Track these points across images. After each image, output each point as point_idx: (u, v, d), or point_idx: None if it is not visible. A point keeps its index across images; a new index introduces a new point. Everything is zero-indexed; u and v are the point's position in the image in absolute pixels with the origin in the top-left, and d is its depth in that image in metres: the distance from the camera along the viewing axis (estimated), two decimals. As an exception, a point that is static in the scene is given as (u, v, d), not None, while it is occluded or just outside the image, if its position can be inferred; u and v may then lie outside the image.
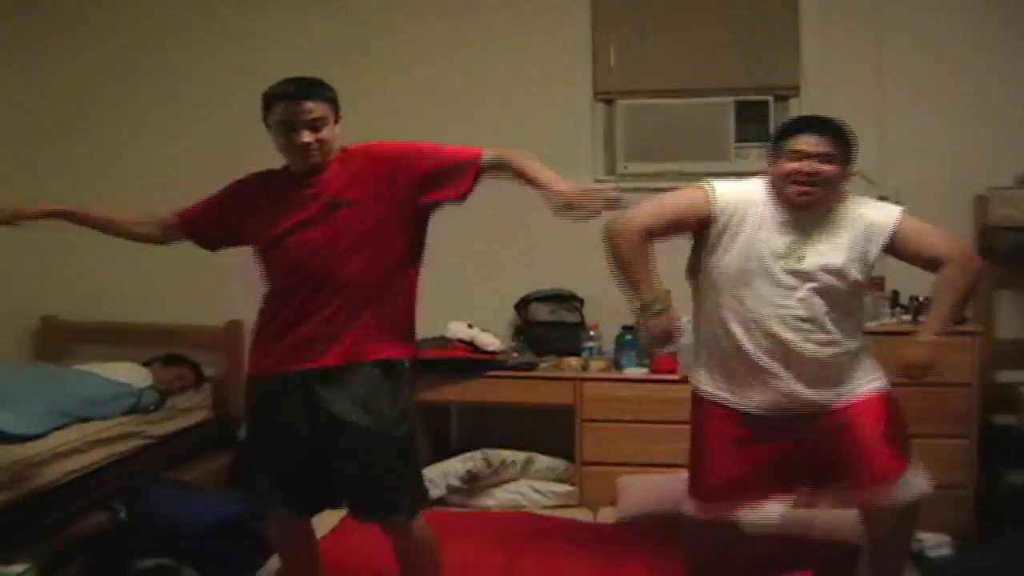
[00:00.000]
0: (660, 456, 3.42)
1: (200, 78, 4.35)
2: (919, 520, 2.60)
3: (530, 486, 3.65)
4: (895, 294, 3.80)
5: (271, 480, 2.46)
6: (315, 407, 2.35)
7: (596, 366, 3.72)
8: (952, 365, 3.51)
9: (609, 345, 3.82)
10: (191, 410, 4.03)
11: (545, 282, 3.95)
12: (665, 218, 2.54)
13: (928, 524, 3.48)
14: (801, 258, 2.44)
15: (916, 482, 2.49)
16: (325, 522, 2.95)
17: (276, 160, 2.50)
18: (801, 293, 2.42)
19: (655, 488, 3.28)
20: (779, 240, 2.46)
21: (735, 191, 2.54)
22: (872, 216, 2.52)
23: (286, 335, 2.37)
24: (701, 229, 2.53)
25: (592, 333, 3.83)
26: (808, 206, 2.47)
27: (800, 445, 2.48)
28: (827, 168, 2.44)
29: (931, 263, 2.52)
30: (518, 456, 3.67)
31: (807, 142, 2.45)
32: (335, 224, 2.34)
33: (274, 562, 2.95)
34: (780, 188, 2.49)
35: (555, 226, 3.98)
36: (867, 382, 2.51)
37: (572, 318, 3.89)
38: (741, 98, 4.01)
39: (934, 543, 3.48)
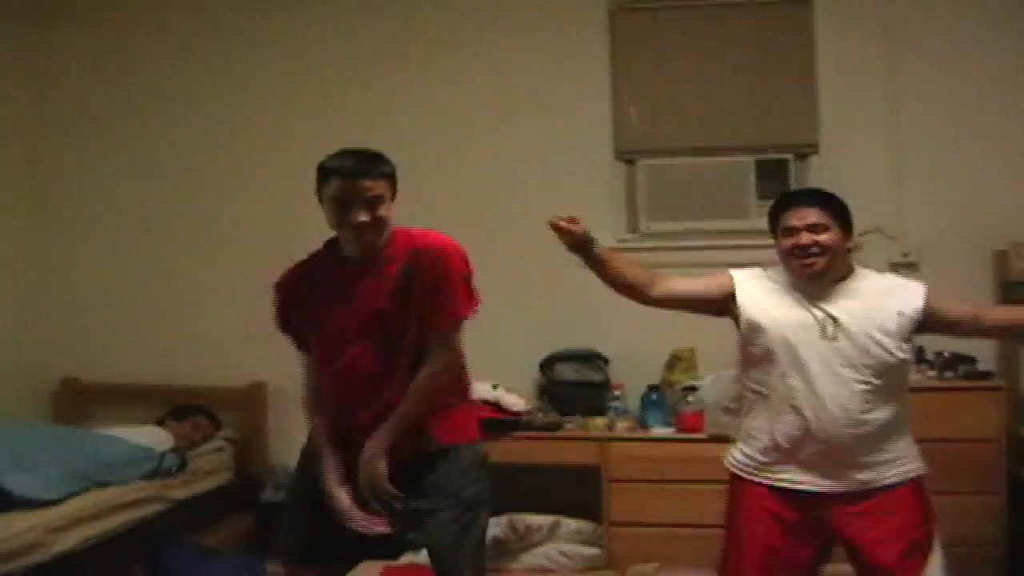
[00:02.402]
0: (688, 516, 3.40)
1: (263, 138, 4.39)
2: None
3: (557, 549, 3.61)
4: (921, 350, 3.80)
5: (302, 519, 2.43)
6: None
7: (622, 425, 3.70)
8: (978, 419, 3.53)
9: (634, 404, 3.81)
10: (213, 472, 4.00)
11: (570, 341, 3.95)
12: (684, 283, 2.58)
13: (960, 583, 3.46)
14: (836, 334, 2.40)
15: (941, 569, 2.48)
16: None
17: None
18: (841, 370, 2.38)
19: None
20: (807, 317, 2.43)
21: (752, 273, 2.56)
22: (901, 293, 2.46)
23: None
24: (722, 309, 2.55)
25: (617, 393, 3.82)
26: (818, 276, 2.44)
27: (833, 526, 2.44)
28: (822, 237, 2.43)
29: (970, 320, 2.49)
30: (544, 520, 3.64)
31: (795, 216, 2.46)
32: None
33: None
34: (787, 267, 2.50)
35: (580, 285, 4.06)
36: (903, 469, 2.45)
37: (597, 377, 3.88)
38: (761, 156, 4.05)
39: (967, 603, 3.44)
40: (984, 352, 3.81)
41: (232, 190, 4.39)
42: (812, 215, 2.44)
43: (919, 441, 3.46)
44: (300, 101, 4.35)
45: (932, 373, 3.70)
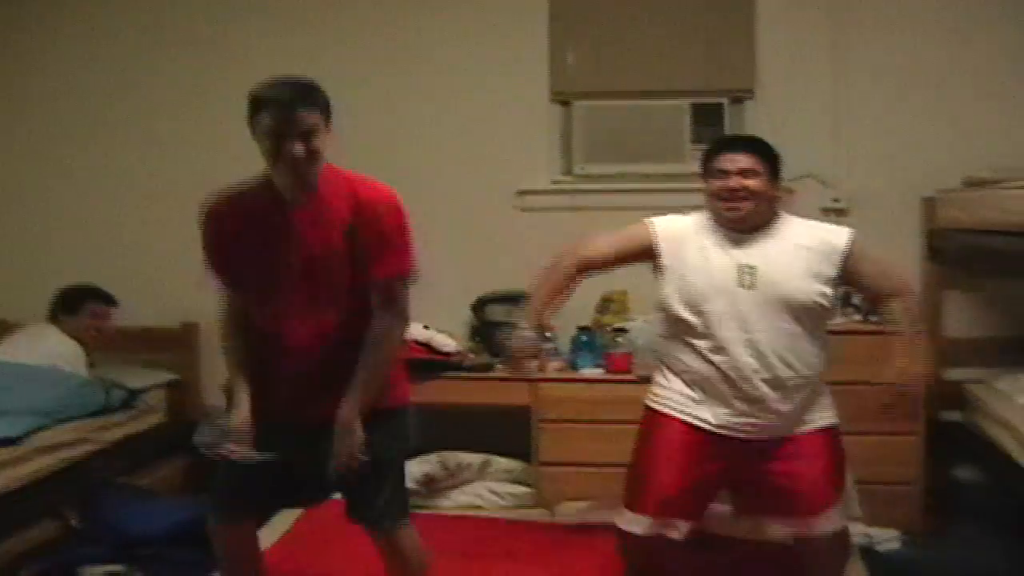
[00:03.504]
0: (616, 456, 3.42)
1: (181, 78, 4.30)
2: (850, 549, 2.66)
3: (487, 488, 3.67)
4: (847, 295, 3.86)
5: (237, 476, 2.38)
6: None
7: (552, 367, 3.74)
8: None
9: (565, 346, 3.85)
10: (148, 412, 3.98)
11: (502, 283, 3.96)
12: (608, 252, 2.59)
13: (877, 519, 3.57)
14: (754, 280, 2.44)
15: (843, 513, 2.56)
16: (269, 536, 2.94)
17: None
18: (758, 316, 2.42)
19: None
20: (728, 264, 2.47)
21: (675, 222, 2.59)
22: (829, 238, 2.51)
23: None
24: (647, 260, 2.58)
25: (548, 334, 3.84)
26: (741, 221, 2.48)
27: (744, 467, 2.51)
28: (751, 182, 2.46)
29: (883, 293, 2.55)
30: (475, 459, 3.68)
31: (728, 159, 2.49)
32: None
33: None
34: (714, 210, 2.53)
35: (511, 227, 4.08)
36: (819, 417, 2.53)
37: (529, 319, 3.90)
38: (697, 100, 4.04)
39: (883, 538, 3.55)
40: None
41: (158, 129, 4.30)
42: (744, 160, 2.48)
43: (844, 383, 3.58)
44: (223, 37, 4.25)
45: (858, 317, 3.77)
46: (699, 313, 2.46)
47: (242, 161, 2.35)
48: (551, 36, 4.11)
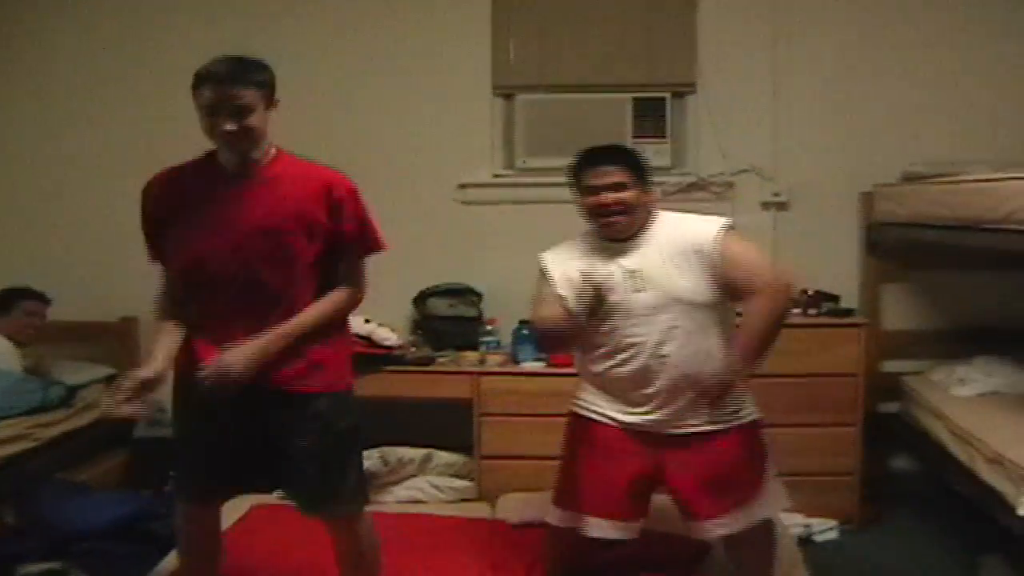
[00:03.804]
0: (557, 448, 3.42)
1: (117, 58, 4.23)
2: (776, 539, 2.65)
3: (429, 482, 3.64)
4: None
5: (198, 459, 2.38)
6: None
7: (494, 360, 3.73)
8: (839, 356, 3.66)
9: (507, 339, 3.85)
10: (87, 408, 3.92)
11: (443, 276, 3.96)
12: (549, 309, 2.53)
13: (815, 509, 3.63)
14: (644, 284, 2.44)
15: (770, 505, 2.55)
16: (228, 516, 2.91)
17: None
18: (650, 317, 2.43)
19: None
20: (620, 272, 2.47)
21: (559, 250, 2.60)
22: (696, 231, 2.48)
23: None
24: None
25: (490, 328, 3.84)
26: (619, 233, 2.49)
27: (666, 465, 2.51)
28: (623, 195, 2.46)
29: (743, 290, 2.43)
30: (416, 453, 3.66)
31: (596, 175, 2.48)
32: None
33: (168, 563, 2.91)
34: (591, 224, 2.54)
35: (453, 220, 4.07)
36: (737, 413, 2.52)
37: (470, 312, 3.90)
38: (639, 94, 4.05)
39: (821, 528, 3.60)
40: (847, 290, 3.95)
41: (94, 120, 4.23)
42: (613, 174, 2.47)
43: (783, 376, 3.64)
44: (169, 21, 4.19)
45: (797, 310, 3.80)
46: (601, 323, 2.46)
47: (181, 154, 2.34)
48: (494, 29, 4.10)
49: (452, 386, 3.66)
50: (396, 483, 3.64)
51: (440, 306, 3.89)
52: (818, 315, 3.77)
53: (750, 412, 2.55)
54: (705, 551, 2.86)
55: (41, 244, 4.25)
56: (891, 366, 4.04)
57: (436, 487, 3.64)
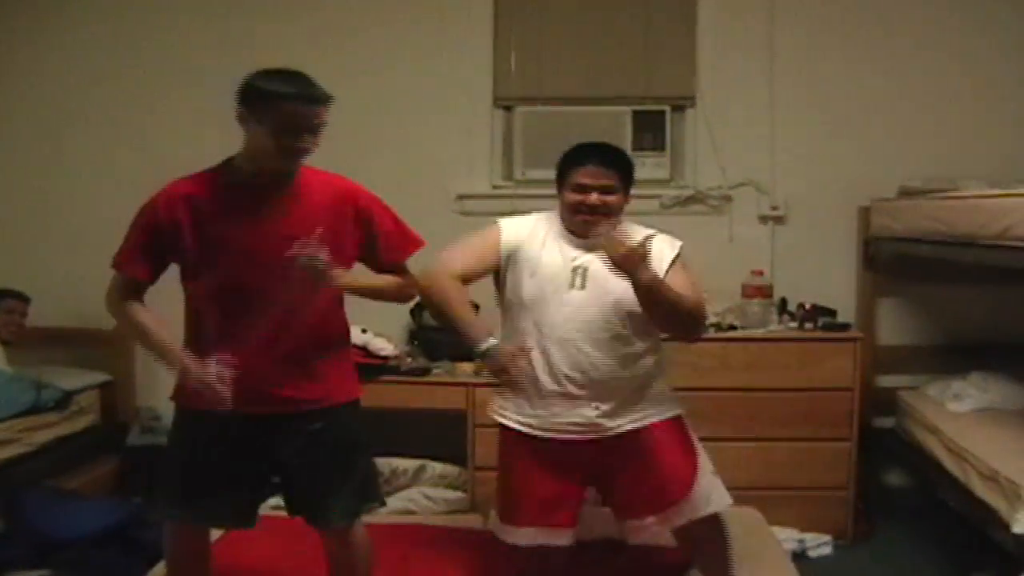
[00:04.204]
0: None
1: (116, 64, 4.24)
2: (726, 533, 2.62)
3: (422, 493, 3.63)
4: (783, 301, 3.91)
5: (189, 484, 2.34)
6: None
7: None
8: (835, 370, 3.65)
9: (503, 351, 3.83)
10: (81, 413, 3.92)
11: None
12: (470, 260, 2.53)
13: (809, 524, 3.62)
14: (584, 282, 2.44)
15: (711, 498, 2.51)
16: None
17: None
18: (589, 316, 2.42)
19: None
20: (564, 266, 2.46)
21: (520, 224, 2.56)
22: (656, 246, 2.42)
23: None
24: (499, 264, 2.55)
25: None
26: (591, 233, 2.46)
27: (596, 467, 2.51)
28: (610, 199, 2.46)
29: None
30: (410, 464, 3.65)
31: (589, 175, 2.45)
32: None
33: (156, 572, 2.89)
34: (567, 217, 2.51)
35: (450, 231, 4.04)
36: (658, 410, 2.51)
37: (467, 323, 3.89)
38: (638, 107, 4.07)
39: (815, 543, 3.59)
40: (844, 304, 3.95)
41: (102, 127, 4.24)
42: (606, 177, 2.46)
43: (778, 390, 3.64)
44: (164, 23, 4.20)
45: (793, 324, 3.81)
46: (531, 314, 2.45)
47: (175, 154, 2.33)
48: (496, 41, 4.12)
49: (447, 397, 3.65)
50: (389, 494, 3.61)
51: (437, 317, 3.88)
52: (814, 329, 3.76)
53: (671, 408, 2.54)
54: (686, 565, 2.85)
55: (34, 249, 4.25)
56: (886, 380, 4.05)
57: (429, 498, 3.62)
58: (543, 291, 2.44)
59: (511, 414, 2.54)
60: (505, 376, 2.41)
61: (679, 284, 2.41)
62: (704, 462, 2.55)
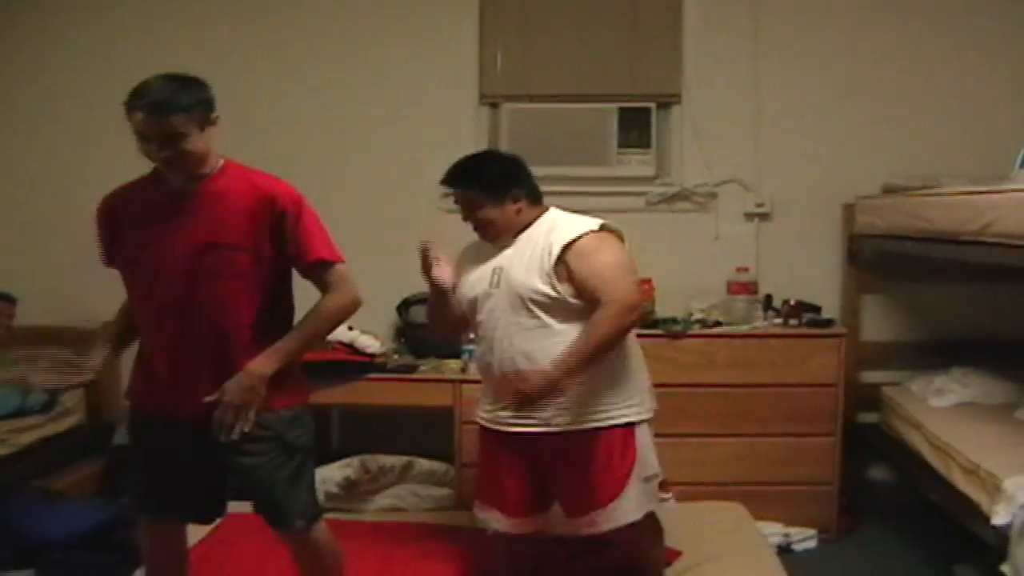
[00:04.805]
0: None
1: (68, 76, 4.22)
2: (656, 536, 2.71)
3: (409, 490, 3.64)
4: (768, 298, 3.93)
5: (151, 482, 2.36)
6: None
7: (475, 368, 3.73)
8: (819, 366, 3.67)
9: (490, 348, 3.84)
10: (66, 414, 3.89)
11: (425, 284, 3.93)
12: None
13: (794, 519, 3.65)
14: (499, 280, 2.53)
15: (632, 509, 2.52)
16: (196, 530, 2.89)
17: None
18: (505, 314, 2.49)
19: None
20: (484, 270, 2.57)
21: (466, 247, 2.73)
22: (559, 232, 2.50)
23: None
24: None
25: (472, 336, 3.83)
26: (493, 240, 2.59)
27: (539, 464, 2.56)
28: (480, 215, 2.56)
29: (591, 297, 2.43)
30: (397, 461, 3.66)
31: (456, 199, 2.63)
32: None
33: (140, 574, 2.88)
34: None
35: (433, 228, 4.05)
36: (603, 415, 2.51)
37: (453, 320, 3.89)
38: (624, 104, 4.08)
39: (800, 537, 3.62)
40: (828, 300, 3.98)
41: (75, 125, 4.21)
42: (463, 199, 2.59)
43: (763, 386, 3.66)
44: (147, 25, 4.17)
45: (778, 321, 3.83)
46: (473, 315, 2.60)
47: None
48: (481, 39, 4.12)
49: (433, 394, 3.65)
50: (376, 491, 3.64)
51: (422, 314, 3.85)
52: (799, 325, 3.78)
53: (622, 414, 2.52)
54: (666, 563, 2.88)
55: (17, 249, 4.22)
56: (870, 376, 4.08)
57: (417, 495, 3.64)
58: (474, 293, 2.59)
59: (479, 409, 2.68)
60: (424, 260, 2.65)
61: (583, 274, 2.43)
62: (641, 468, 2.53)
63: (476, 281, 2.59)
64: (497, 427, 2.58)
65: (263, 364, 2.21)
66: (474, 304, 2.58)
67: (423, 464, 3.69)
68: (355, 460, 3.59)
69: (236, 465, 2.29)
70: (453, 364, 3.74)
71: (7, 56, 4.26)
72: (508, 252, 2.55)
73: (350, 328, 3.63)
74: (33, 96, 4.26)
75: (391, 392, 3.65)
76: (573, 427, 2.49)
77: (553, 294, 2.44)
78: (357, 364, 3.62)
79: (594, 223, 2.51)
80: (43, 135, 4.25)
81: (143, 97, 2.11)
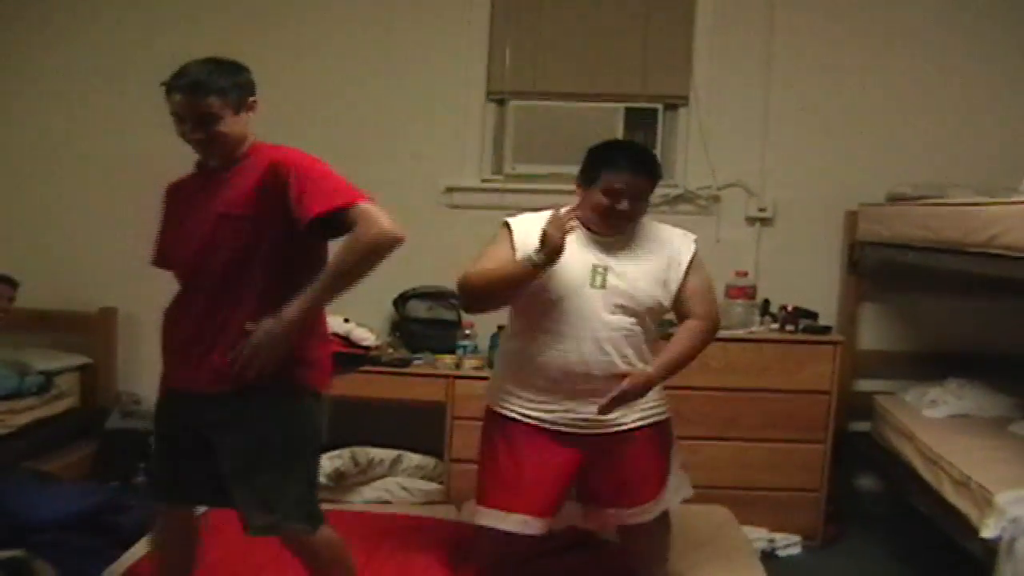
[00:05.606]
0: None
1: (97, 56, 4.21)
2: (670, 530, 2.73)
3: (398, 483, 3.64)
4: (766, 303, 3.92)
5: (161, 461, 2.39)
6: None
7: (469, 364, 3.73)
8: (813, 373, 3.66)
9: (484, 344, 3.85)
10: (61, 396, 3.92)
11: (425, 279, 3.95)
12: (491, 264, 2.48)
13: (779, 524, 3.65)
14: (604, 281, 2.44)
15: (674, 494, 2.64)
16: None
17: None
18: (604, 315, 2.43)
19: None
20: (583, 263, 2.45)
21: (530, 223, 2.48)
22: (678, 244, 2.52)
23: None
24: None
25: (467, 331, 3.84)
26: (619, 233, 2.50)
27: (587, 461, 2.53)
28: (639, 206, 2.47)
29: (685, 308, 2.52)
30: (387, 454, 3.66)
31: (625, 181, 2.42)
32: None
33: (131, 555, 2.90)
34: (587, 215, 2.48)
35: (438, 224, 4.07)
36: (652, 412, 2.56)
37: (449, 316, 3.89)
38: (631, 105, 4.07)
39: (784, 543, 3.62)
40: (826, 308, 3.96)
41: (76, 109, 4.21)
42: (642, 186, 2.45)
43: (756, 391, 3.66)
44: (159, 19, 4.17)
45: (775, 326, 3.82)
46: (550, 309, 2.44)
47: (169, 145, 2.31)
48: (491, 35, 4.10)
49: (426, 389, 3.66)
50: (365, 483, 3.64)
51: (419, 308, 3.89)
52: (795, 332, 3.77)
53: (663, 411, 2.61)
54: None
55: (16, 231, 4.24)
56: (864, 385, 4.06)
57: (405, 488, 3.64)
58: (560, 287, 2.42)
59: (517, 407, 2.53)
60: (559, 236, 2.30)
61: (694, 289, 2.49)
62: (675, 459, 2.63)
63: (568, 275, 2.42)
64: (556, 427, 2.50)
65: (289, 309, 2.12)
66: (560, 298, 2.42)
67: (412, 458, 3.70)
68: (345, 452, 3.59)
69: (218, 452, 2.26)
70: (448, 359, 3.74)
71: (5, 40, 4.26)
72: (612, 253, 2.46)
73: (345, 320, 3.63)
74: (33, 79, 4.26)
75: (384, 385, 3.66)
76: (643, 423, 2.53)
77: (667, 304, 2.49)
78: (351, 356, 3.62)
79: (690, 235, 2.58)
80: (43, 119, 4.25)
81: (181, 77, 2.17)
